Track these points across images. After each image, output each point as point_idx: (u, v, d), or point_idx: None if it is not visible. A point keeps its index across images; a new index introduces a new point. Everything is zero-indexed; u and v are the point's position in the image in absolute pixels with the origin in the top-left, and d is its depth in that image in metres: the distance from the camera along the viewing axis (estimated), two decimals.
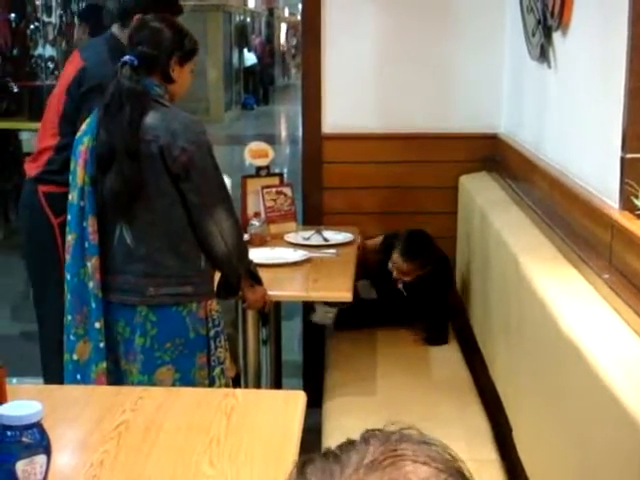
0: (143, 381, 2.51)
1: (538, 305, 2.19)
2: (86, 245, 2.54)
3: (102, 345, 2.51)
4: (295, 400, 2.06)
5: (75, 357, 2.56)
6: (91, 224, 2.53)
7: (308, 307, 4.03)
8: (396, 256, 3.47)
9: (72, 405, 2.04)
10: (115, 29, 3.26)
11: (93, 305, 2.53)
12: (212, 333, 2.64)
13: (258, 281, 2.85)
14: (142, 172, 2.50)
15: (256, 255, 3.34)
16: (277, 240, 3.59)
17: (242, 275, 2.77)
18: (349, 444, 0.84)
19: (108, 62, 2.94)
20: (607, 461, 1.65)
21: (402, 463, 0.82)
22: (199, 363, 2.61)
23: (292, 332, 4.39)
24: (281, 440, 1.88)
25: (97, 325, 2.52)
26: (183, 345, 2.57)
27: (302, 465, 0.83)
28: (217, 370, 2.64)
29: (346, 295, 2.98)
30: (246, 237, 3.54)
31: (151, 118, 2.51)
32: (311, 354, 4.01)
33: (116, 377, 2.55)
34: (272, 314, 3.70)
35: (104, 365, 2.51)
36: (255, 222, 3.59)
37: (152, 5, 3.03)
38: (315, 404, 3.09)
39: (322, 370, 3.49)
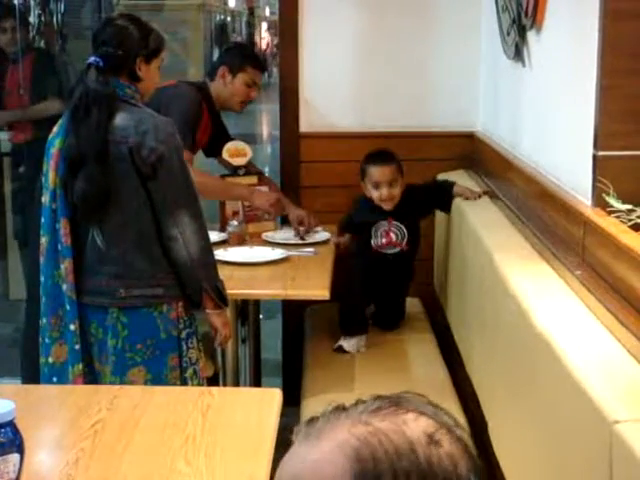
0: (115, 382, 2.50)
1: (512, 301, 2.21)
2: (59, 247, 2.53)
3: (77, 347, 2.51)
4: (271, 398, 2.07)
5: (50, 360, 2.55)
6: (63, 226, 2.53)
7: (287, 306, 4.04)
8: (372, 170, 3.39)
9: (48, 404, 2.04)
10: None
11: (67, 307, 2.52)
12: (184, 334, 2.62)
13: (225, 303, 2.70)
14: (112, 175, 2.49)
15: (235, 254, 3.36)
16: (255, 239, 3.59)
17: (206, 290, 2.63)
18: (359, 401, 0.91)
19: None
20: (578, 454, 1.67)
21: (403, 411, 0.89)
22: (171, 364, 2.59)
23: (272, 331, 4.39)
24: (257, 438, 1.89)
25: (72, 327, 2.52)
26: (154, 346, 2.56)
27: (312, 418, 0.90)
28: (189, 371, 2.62)
29: (323, 293, 2.99)
30: (224, 236, 3.56)
31: (120, 119, 2.50)
32: (290, 353, 4.01)
33: (91, 379, 2.55)
34: (251, 312, 3.72)
35: (80, 367, 2.51)
36: (234, 221, 3.59)
37: (235, 59, 3.64)
38: (294, 403, 3.11)
39: (301, 369, 3.50)
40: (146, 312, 2.56)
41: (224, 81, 3.62)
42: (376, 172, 3.38)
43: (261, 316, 4.07)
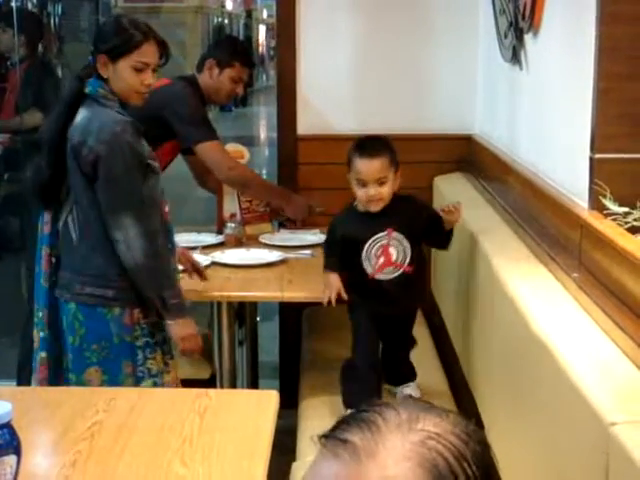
0: (72, 380, 2.50)
1: (509, 304, 2.21)
2: (40, 235, 2.62)
3: (43, 335, 2.55)
4: (268, 400, 2.08)
5: (35, 346, 2.62)
6: (46, 214, 2.63)
7: (284, 308, 4.04)
8: (358, 163, 2.73)
9: (44, 406, 2.05)
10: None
11: (40, 294, 2.59)
12: (140, 342, 2.56)
13: (172, 315, 2.57)
14: (63, 169, 2.55)
15: (232, 256, 3.36)
16: (252, 241, 3.60)
17: (150, 298, 2.55)
18: (373, 409, 0.86)
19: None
20: (574, 455, 1.67)
21: (432, 416, 0.86)
22: (125, 371, 2.54)
23: (269, 333, 4.39)
24: (254, 439, 1.90)
25: (40, 314, 2.59)
26: (108, 349, 2.53)
27: (329, 437, 0.85)
28: (147, 382, 2.53)
29: (321, 296, 2.98)
30: (221, 238, 3.56)
31: (79, 117, 2.55)
32: (288, 355, 4.02)
33: (57, 371, 2.56)
34: (248, 314, 3.72)
35: (44, 355, 2.54)
36: (231, 223, 3.60)
37: (224, 53, 3.62)
38: (292, 405, 3.11)
39: (299, 371, 3.50)
40: (100, 312, 2.53)
41: (210, 73, 3.60)
42: (362, 166, 2.71)
43: (258, 318, 4.08)
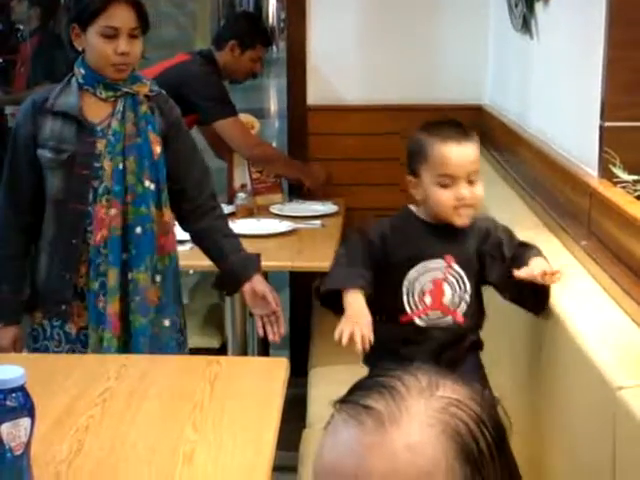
0: None
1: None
2: None
3: None
4: (278, 367, 2.09)
5: None
6: None
7: (295, 278, 4.06)
8: (445, 151, 1.99)
9: (56, 374, 2.07)
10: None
11: None
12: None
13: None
14: None
15: (242, 226, 3.37)
16: (263, 212, 3.61)
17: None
18: (391, 375, 0.86)
19: None
20: (582, 419, 1.69)
21: (450, 381, 0.87)
22: None
23: (280, 303, 4.41)
24: (263, 406, 1.92)
25: None
26: None
27: (346, 403, 0.84)
28: None
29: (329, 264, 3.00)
30: (232, 208, 3.57)
31: None
32: (298, 325, 4.04)
33: None
34: None
35: None
36: (241, 194, 3.61)
37: (247, 35, 3.62)
38: (302, 374, 3.14)
39: (309, 341, 3.52)
40: None
41: (232, 54, 3.65)
42: (451, 154, 1.97)
43: None
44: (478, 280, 2.06)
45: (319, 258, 3.08)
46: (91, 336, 2.33)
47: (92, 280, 2.33)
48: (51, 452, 1.71)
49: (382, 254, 2.03)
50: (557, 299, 1.91)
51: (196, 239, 2.56)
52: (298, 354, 3.72)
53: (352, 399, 0.85)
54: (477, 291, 2.08)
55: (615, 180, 2.09)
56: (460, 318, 2.05)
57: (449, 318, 2.05)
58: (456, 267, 2.03)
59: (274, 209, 3.64)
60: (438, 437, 0.81)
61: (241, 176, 3.74)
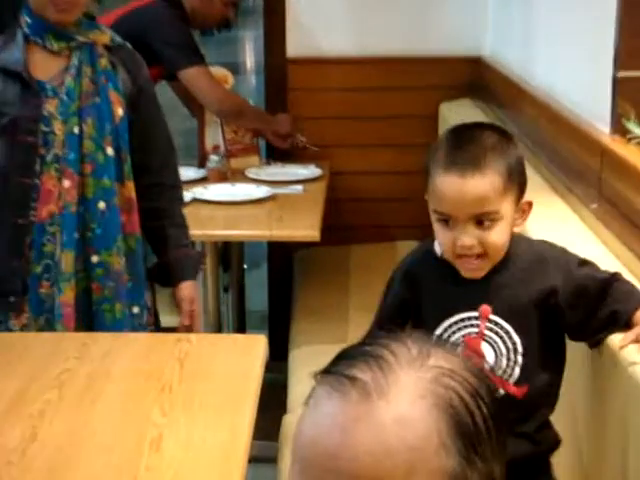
0: None
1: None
2: None
3: None
4: (255, 345, 2.09)
5: None
6: None
7: (273, 251, 4.06)
8: (438, 180, 1.71)
9: (8, 352, 2.06)
10: None
11: None
12: None
13: None
14: None
15: (215, 192, 3.37)
16: (238, 176, 3.60)
17: None
18: (379, 342, 0.87)
19: None
20: (593, 395, 1.69)
21: (443, 350, 0.88)
22: None
23: (257, 281, 4.41)
24: (239, 387, 1.92)
25: None
26: None
27: (329, 373, 0.85)
28: None
29: (313, 234, 3.01)
30: (203, 173, 3.56)
31: None
32: (277, 304, 4.04)
33: None
34: (234, 257, 3.73)
35: None
36: (214, 156, 3.59)
37: None
38: (282, 357, 3.15)
39: (289, 320, 3.52)
40: None
41: None
42: (451, 192, 1.70)
43: (245, 267, 4.09)
44: (541, 333, 1.73)
45: (301, 226, 3.09)
46: (29, 326, 2.23)
47: (34, 263, 2.22)
48: (1, 440, 1.70)
49: (413, 305, 1.84)
50: None
51: (142, 216, 2.39)
52: (277, 335, 3.72)
53: (336, 370, 0.85)
54: (542, 348, 1.72)
55: (629, 137, 2.09)
56: (515, 389, 1.70)
57: (500, 392, 1.68)
58: (497, 320, 1.73)
59: (250, 173, 3.63)
60: (430, 410, 0.82)
61: (213, 136, 3.73)
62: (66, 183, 2.21)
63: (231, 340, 2.33)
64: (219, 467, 1.66)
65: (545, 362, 1.71)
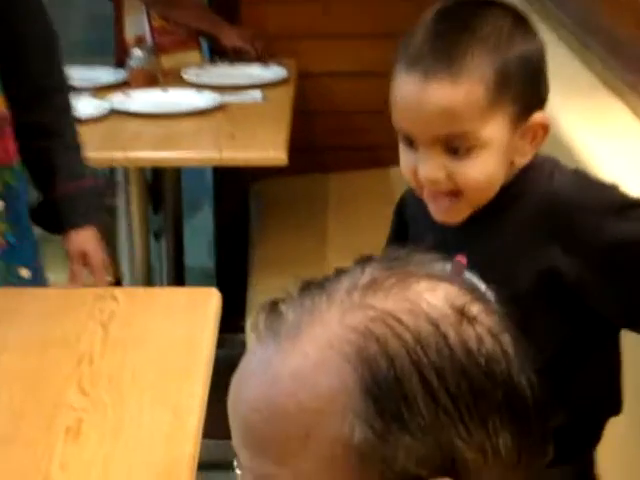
0: None
1: (570, 160, 2.26)
2: None
3: None
4: (205, 301, 2.13)
5: None
6: None
7: (221, 185, 4.08)
8: (399, 82, 1.67)
9: None
10: None
11: None
12: None
13: None
14: None
15: (141, 101, 3.37)
16: (172, 78, 3.61)
17: None
18: (338, 272, 0.93)
19: None
20: None
21: (413, 280, 0.90)
22: None
23: (200, 225, 4.43)
24: (185, 358, 1.95)
25: None
26: None
27: (273, 305, 0.92)
28: None
29: (278, 156, 3.02)
30: (123, 75, 3.56)
31: None
32: (228, 256, 4.07)
33: None
34: (169, 191, 3.75)
35: None
36: (137, 51, 3.58)
37: None
38: (234, 328, 3.17)
39: (244, 278, 3.55)
40: None
41: None
42: (408, 99, 1.67)
43: (183, 205, 4.10)
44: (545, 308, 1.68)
45: (260, 146, 3.10)
46: None
47: None
48: None
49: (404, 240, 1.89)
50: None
51: (20, 137, 2.38)
52: (228, 299, 3.75)
53: (282, 301, 0.92)
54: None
55: None
56: None
57: None
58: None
59: (189, 74, 3.64)
60: (340, 365, 0.86)
61: (136, 24, 3.73)
62: None
63: (170, 295, 2.34)
64: (160, 463, 1.69)
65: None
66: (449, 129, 1.61)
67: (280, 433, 0.87)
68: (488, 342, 0.88)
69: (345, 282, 0.91)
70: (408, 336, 0.86)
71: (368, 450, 0.85)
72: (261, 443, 0.89)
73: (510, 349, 0.90)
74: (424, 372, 0.85)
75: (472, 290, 0.93)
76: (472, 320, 0.88)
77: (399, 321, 0.86)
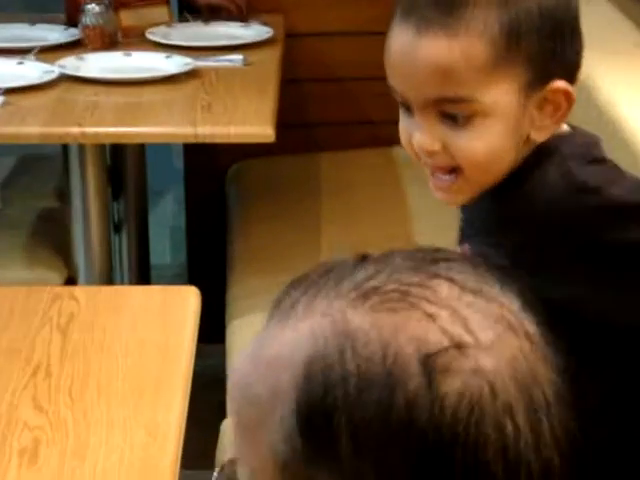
0: None
1: (610, 130, 2.27)
2: None
3: None
4: (182, 301, 2.14)
5: None
6: None
7: (193, 168, 4.08)
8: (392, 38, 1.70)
9: None
10: None
11: None
12: None
13: None
14: None
15: (97, 65, 3.37)
16: (136, 39, 3.61)
17: None
18: (361, 259, 0.97)
19: None
20: None
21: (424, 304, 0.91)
22: None
23: (167, 218, 4.45)
24: (159, 366, 1.97)
25: None
26: None
27: (287, 288, 0.97)
28: None
29: (264, 132, 3.03)
30: (76, 34, 3.56)
31: None
32: (202, 251, 4.08)
33: None
34: (132, 176, 3.74)
35: None
36: (93, 6, 3.58)
37: None
38: (215, 338, 3.17)
39: (223, 275, 3.56)
40: None
41: None
42: (399, 57, 1.70)
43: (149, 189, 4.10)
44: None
45: (243, 120, 3.10)
46: None
47: None
48: None
49: None
50: None
51: None
52: (203, 304, 3.77)
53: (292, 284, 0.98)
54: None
55: None
56: None
57: None
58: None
59: (155, 35, 3.64)
60: (299, 355, 0.91)
61: None
62: None
63: (142, 295, 2.36)
64: None
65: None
66: (441, 92, 1.62)
67: (248, 418, 0.95)
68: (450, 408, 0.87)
69: (360, 274, 0.94)
70: (353, 371, 0.88)
71: (293, 466, 0.90)
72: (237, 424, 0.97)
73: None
74: (354, 417, 0.88)
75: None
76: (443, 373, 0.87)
77: (354, 349, 0.89)
